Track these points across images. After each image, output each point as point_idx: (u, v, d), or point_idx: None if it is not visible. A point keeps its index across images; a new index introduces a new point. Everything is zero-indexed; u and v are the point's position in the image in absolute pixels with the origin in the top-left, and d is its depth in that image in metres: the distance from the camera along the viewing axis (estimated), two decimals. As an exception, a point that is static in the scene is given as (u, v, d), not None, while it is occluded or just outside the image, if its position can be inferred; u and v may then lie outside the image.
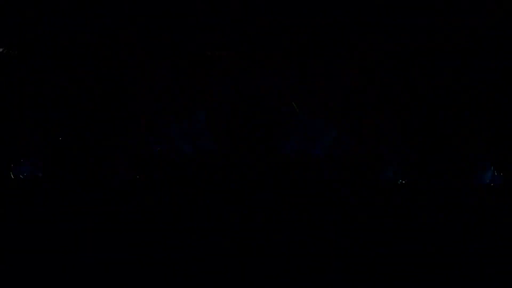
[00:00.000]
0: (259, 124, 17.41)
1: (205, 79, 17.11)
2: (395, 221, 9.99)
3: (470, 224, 9.87)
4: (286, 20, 15.24)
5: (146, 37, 14.72)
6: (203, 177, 14.89)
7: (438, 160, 15.39)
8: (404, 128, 14.95)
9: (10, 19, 14.04)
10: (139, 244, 8.28)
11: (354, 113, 15.78)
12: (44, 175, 14.99)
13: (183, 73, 16.58)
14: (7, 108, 15.01)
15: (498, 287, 6.74)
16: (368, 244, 8.24)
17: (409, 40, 15.04)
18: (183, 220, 10.19)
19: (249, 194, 13.17)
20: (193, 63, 16.08)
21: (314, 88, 17.28)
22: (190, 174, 15.09)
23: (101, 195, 12.88)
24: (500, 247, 8.30)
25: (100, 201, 11.98)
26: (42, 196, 12.65)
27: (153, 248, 8.06)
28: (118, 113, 15.01)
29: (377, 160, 15.02)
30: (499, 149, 14.74)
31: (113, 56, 14.80)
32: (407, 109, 15.03)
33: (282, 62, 16.33)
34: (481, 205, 11.99)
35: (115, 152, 14.94)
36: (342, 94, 16.04)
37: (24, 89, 14.62)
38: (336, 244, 8.38)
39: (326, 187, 13.82)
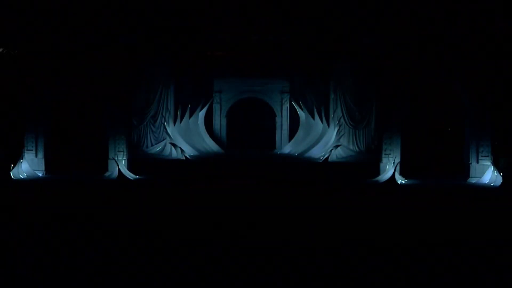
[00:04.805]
0: (259, 124, 17.45)
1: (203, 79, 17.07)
2: (395, 221, 10.10)
3: (470, 224, 9.94)
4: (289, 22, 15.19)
5: (146, 37, 14.70)
6: (203, 176, 14.90)
7: (438, 160, 15.35)
8: (404, 127, 14.97)
9: (9, 19, 14.02)
10: (138, 244, 8.35)
11: (354, 113, 15.81)
12: (44, 174, 15.03)
13: (182, 73, 16.56)
14: (6, 108, 15.02)
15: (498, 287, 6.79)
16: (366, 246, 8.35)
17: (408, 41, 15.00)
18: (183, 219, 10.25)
19: (249, 194, 13.21)
20: (193, 63, 16.10)
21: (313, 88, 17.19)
22: (190, 174, 15.11)
23: (101, 194, 12.93)
24: (500, 247, 8.38)
25: (99, 200, 12.03)
26: (42, 195, 12.69)
27: (153, 249, 8.14)
28: (117, 112, 15.03)
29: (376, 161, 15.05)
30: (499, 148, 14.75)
31: (113, 56, 14.82)
32: (407, 108, 15.05)
33: (280, 62, 16.37)
34: (481, 204, 12.02)
35: (115, 151, 14.95)
36: (342, 94, 16.07)
37: (24, 88, 14.61)
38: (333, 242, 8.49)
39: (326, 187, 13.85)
